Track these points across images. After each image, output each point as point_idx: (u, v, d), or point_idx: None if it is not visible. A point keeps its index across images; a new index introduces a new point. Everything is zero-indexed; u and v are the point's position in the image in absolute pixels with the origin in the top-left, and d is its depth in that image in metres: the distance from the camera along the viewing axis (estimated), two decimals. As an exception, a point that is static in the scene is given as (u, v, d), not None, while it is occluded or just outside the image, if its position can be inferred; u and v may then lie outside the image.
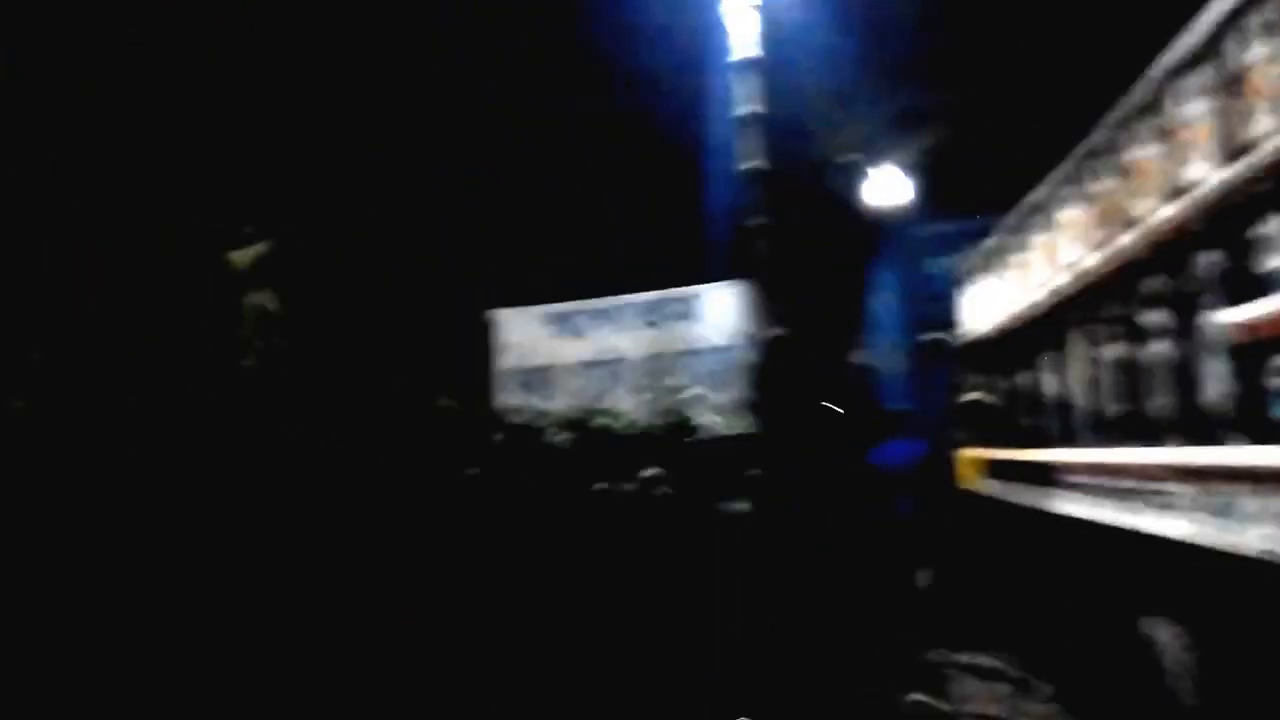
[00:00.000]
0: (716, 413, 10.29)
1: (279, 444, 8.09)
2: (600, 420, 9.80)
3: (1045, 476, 7.35)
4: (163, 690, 5.47)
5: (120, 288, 10.70)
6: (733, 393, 10.89)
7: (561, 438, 9.25)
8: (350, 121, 12.22)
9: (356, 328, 11.49)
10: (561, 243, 12.43)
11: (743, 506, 9.31)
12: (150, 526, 6.28)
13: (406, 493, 8.00)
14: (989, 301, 9.18)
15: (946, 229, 13.93)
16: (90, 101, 11.24)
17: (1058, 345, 7.10)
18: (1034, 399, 7.76)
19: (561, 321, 12.05)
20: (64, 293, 10.38)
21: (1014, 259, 8.22)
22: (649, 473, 8.95)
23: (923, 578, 11.05)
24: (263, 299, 8.51)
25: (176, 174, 11.54)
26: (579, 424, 9.82)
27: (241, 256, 8.57)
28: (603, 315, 11.86)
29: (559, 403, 11.26)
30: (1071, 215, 6.68)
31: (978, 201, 12.78)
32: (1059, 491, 7.04)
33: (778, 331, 10.23)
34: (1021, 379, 8.16)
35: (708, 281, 11.27)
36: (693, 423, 9.83)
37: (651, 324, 11.47)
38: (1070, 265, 6.68)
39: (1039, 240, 7.44)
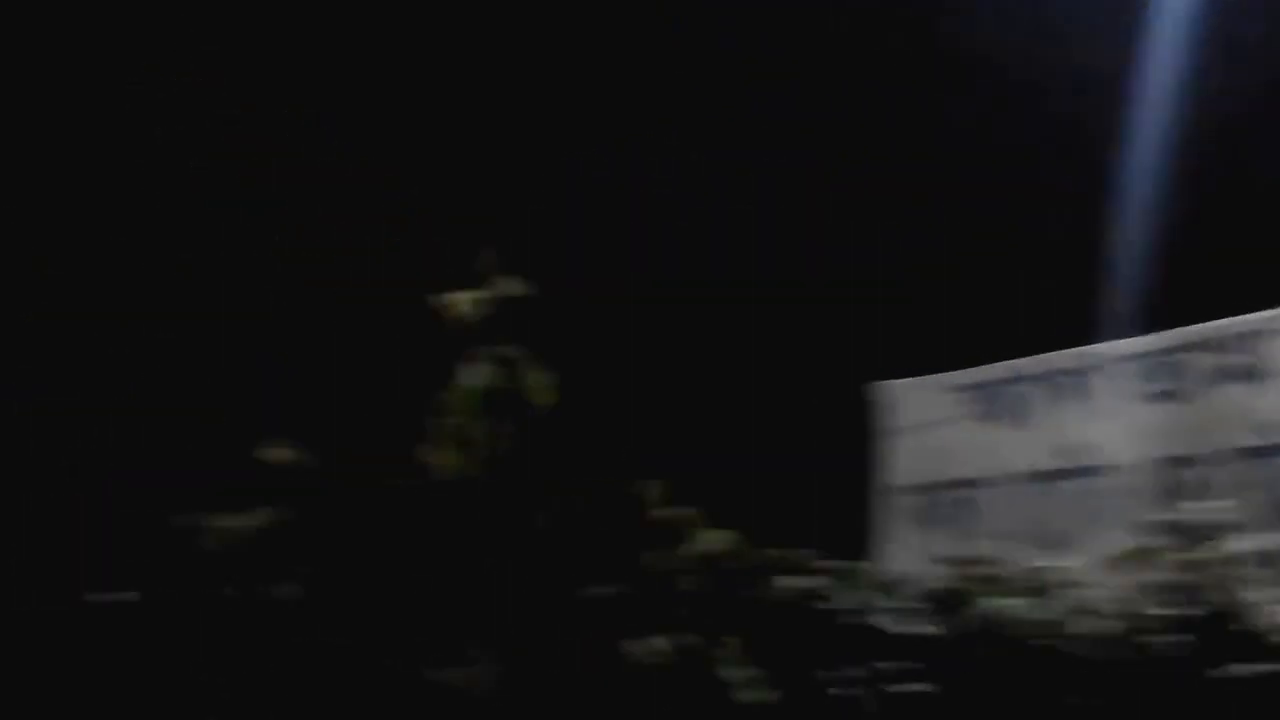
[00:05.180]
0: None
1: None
2: (1026, 604, 4.21)
3: None
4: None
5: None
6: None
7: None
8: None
9: (634, 415, 7.33)
10: (988, 265, 7.08)
11: None
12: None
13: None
14: None
15: None
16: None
17: None
18: None
19: (992, 396, 6.67)
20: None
21: None
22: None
23: None
24: (494, 372, 4.72)
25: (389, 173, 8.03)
26: (986, 627, 4.30)
27: (469, 300, 4.93)
28: (1066, 382, 6.30)
29: (979, 547, 5.89)
30: None
31: None
32: None
33: None
34: None
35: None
36: (1254, 626, 3.87)
37: (1165, 391, 5.70)
38: None
39: None
